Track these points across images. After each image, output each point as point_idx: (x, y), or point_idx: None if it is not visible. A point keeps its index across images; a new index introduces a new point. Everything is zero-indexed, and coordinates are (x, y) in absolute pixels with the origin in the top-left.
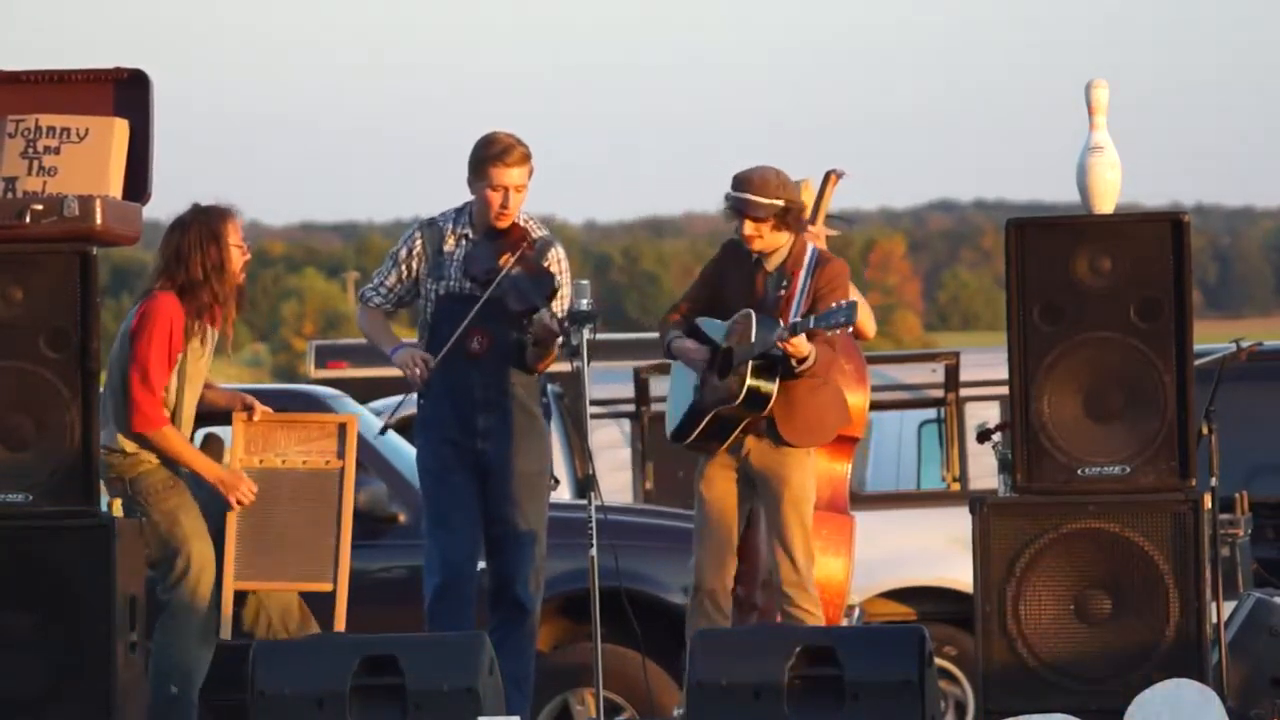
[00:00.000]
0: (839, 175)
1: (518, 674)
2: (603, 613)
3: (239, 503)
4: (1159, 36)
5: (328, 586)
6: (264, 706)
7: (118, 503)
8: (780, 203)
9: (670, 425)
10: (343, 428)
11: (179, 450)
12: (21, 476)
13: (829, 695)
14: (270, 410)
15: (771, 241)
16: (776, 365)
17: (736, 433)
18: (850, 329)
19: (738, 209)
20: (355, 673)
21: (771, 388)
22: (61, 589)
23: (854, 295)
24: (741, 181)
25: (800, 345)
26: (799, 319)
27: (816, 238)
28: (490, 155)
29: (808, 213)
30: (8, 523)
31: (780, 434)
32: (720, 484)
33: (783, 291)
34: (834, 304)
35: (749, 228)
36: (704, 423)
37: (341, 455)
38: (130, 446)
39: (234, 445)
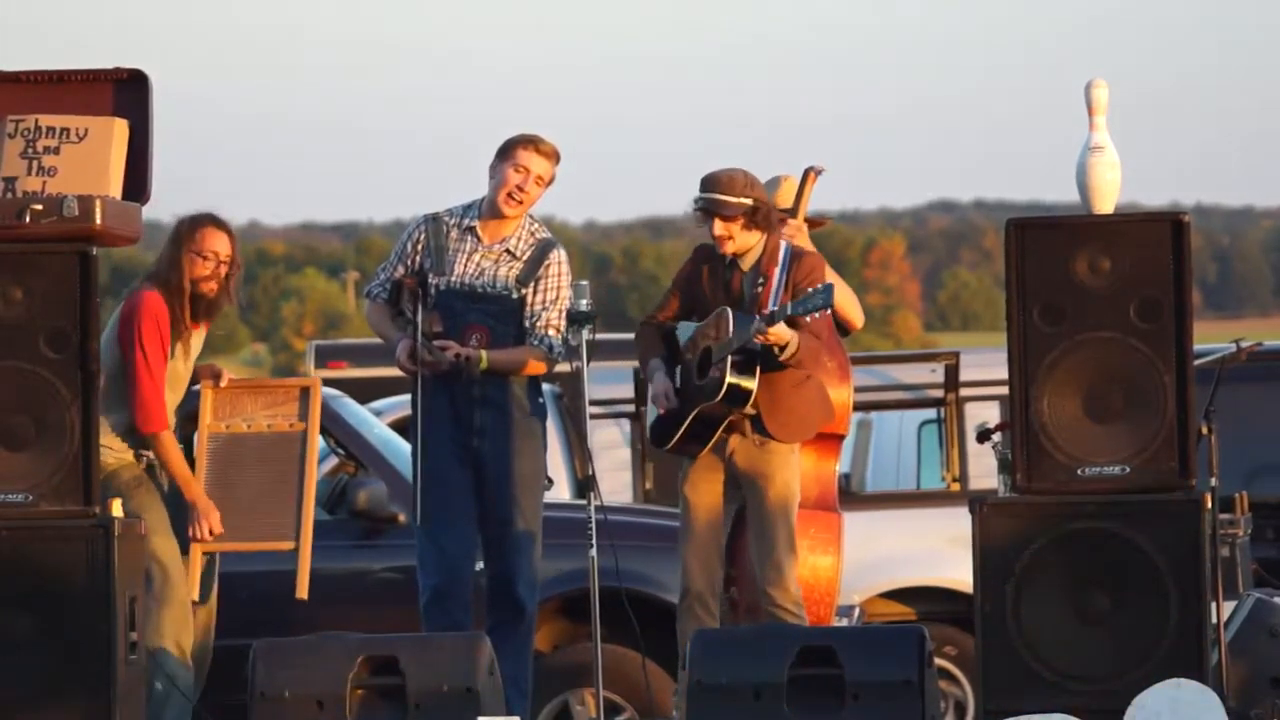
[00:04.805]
0: (817, 172)
1: (516, 674)
2: (603, 613)
3: (193, 536)
4: (1159, 36)
5: (290, 545)
6: (264, 707)
7: (117, 502)
8: (749, 201)
9: (651, 429)
10: (306, 391)
11: (169, 457)
12: (21, 476)
13: (829, 695)
14: (235, 376)
15: (743, 242)
16: (756, 359)
17: (719, 433)
18: (829, 311)
19: (707, 209)
20: (355, 673)
21: (752, 383)
22: (61, 589)
23: (834, 283)
24: (709, 182)
25: (780, 333)
26: (776, 307)
27: (800, 231)
28: (523, 139)
29: (778, 213)
30: (8, 523)
31: (766, 429)
32: (705, 486)
33: (759, 289)
34: (810, 288)
35: (719, 228)
36: (686, 423)
37: (304, 417)
38: (104, 440)
39: (201, 411)
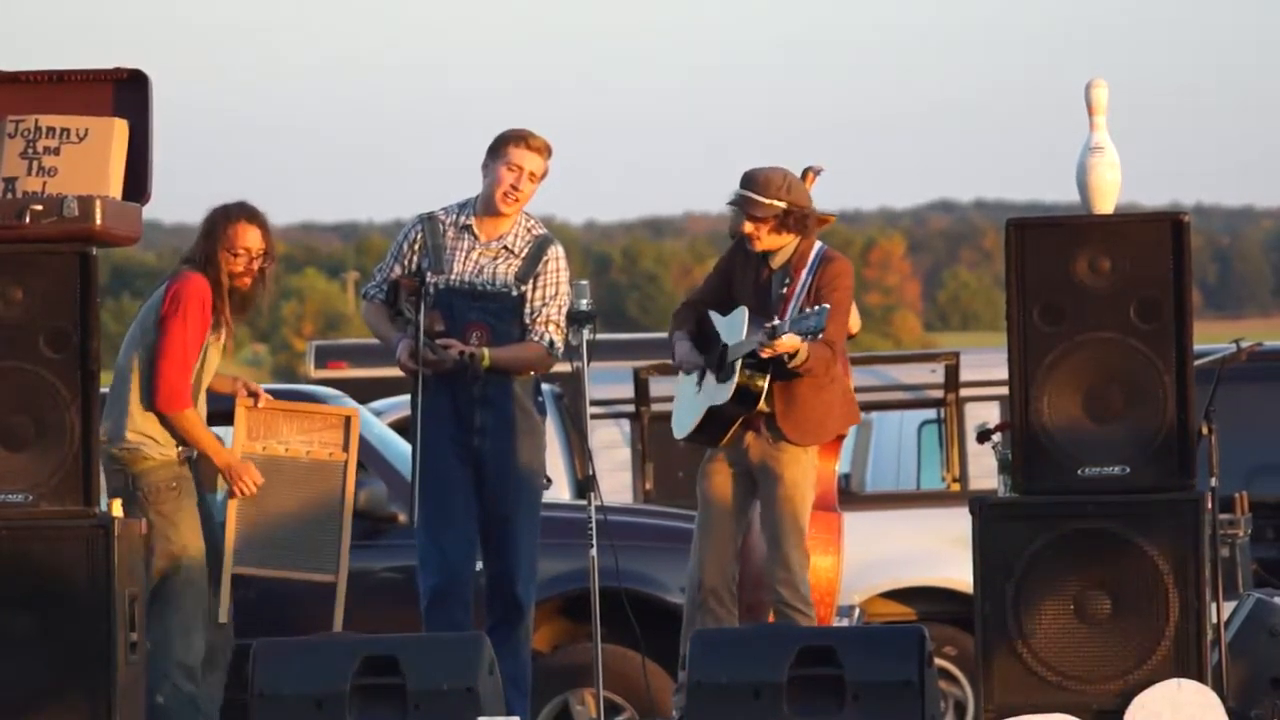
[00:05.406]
0: (817, 172)
1: (515, 674)
2: (603, 613)
3: (241, 493)
4: (1159, 36)
5: (331, 578)
6: (264, 707)
7: (117, 503)
8: (781, 205)
9: (673, 421)
10: (347, 420)
11: (195, 432)
12: (21, 476)
13: (829, 695)
14: (272, 398)
15: (772, 242)
16: (768, 362)
17: (734, 429)
18: (819, 336)
19: (739, 207)
20: (355, 673)
21: (762, 385)
22: (61, 589)
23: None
24: (746, 180)
25: (786, 343)
26: (777, 323)
27: None
28: (513, 135)
29: (816, 216)
30: (8, 523)
31: (780, 430)
32: (721, 481)
33: (784, 290)
34: (808, 309)
35: (749, 226)
36: (699, 419)
37: (345, 448)
38: (135, 439)
39: (236, 430)
